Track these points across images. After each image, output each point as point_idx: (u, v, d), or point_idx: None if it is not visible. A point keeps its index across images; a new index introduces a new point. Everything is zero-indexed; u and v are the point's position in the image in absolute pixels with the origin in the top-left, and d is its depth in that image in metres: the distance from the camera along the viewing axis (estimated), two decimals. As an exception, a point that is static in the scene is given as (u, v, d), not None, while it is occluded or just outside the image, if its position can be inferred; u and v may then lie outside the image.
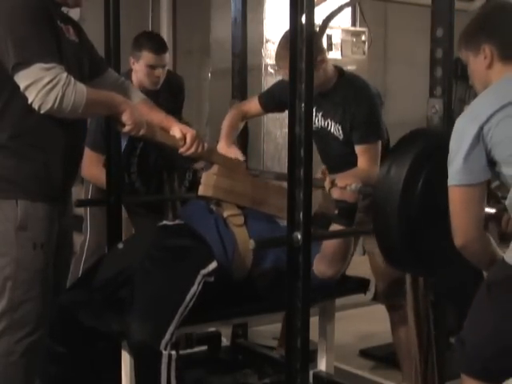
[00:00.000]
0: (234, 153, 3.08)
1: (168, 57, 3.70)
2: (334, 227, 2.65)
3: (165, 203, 3.69)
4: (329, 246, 2.66)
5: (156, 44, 3.66)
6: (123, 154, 3.24)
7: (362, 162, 2.98)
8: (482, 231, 2.11)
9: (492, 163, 2.05)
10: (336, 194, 2.61)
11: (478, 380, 2.08)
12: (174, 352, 2.34)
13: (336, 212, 2.63)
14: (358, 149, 3.00)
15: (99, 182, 3.31)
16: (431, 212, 2.27)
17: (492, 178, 2.12)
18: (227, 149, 3.14)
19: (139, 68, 3.63)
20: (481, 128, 2.02)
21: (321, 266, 2.66)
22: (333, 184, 2.61)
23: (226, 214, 2.76)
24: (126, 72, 3.71)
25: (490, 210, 2.24)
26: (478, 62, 2.19)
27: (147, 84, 3.64)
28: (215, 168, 2.81)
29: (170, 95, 3.82)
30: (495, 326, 2.05)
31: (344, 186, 2.58)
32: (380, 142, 3.01)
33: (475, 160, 2.03)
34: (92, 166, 3.45)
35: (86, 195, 3.82)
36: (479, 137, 2.02)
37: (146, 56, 3.61)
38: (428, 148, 2.34)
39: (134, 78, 3.66)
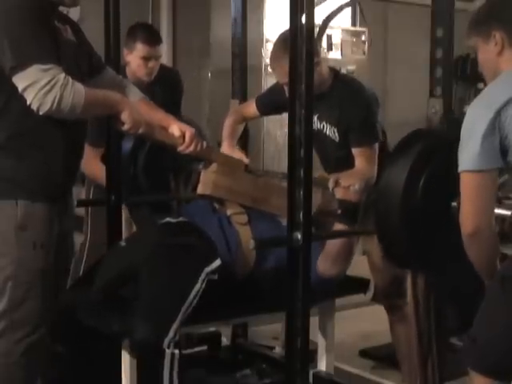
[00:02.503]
0: (237, 154, 3.10)
1: (162, 48, 3.70)
2: (337, 227, 2.66)
3: (169, 203, 3.70)
4: (333, 245, 2.67)
5: (150, 35, 3.67)
6: (132, 148, 3.24)
7: (359, 163, 2.98)
8: (493, 220, 2.08)
9: (504, 151, 2.03)
10: (340, 193, 2.62)
11: (489, 377, 2.05)
12: (176, 351, 2.34)
13: (339, 212, 2.64)
14: (355, 151, 3.00)
15: (98, 178, 3.31)
16: (433, 211, 2.26)
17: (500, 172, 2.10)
18: (230, 151, 3.15)
19: (133, 59, 3.64)
20: (498, 113, 2.00)
21: (325, 265, 2.66)
22: (336, 183, 2.62)
23: (229, 212, 2.76)
24: (120, 67, 3.72)
25: (506, 212, 2.21)
26: (488, 49, 2.18)
27: (141, 75, 3.64)
28: (214, 166, 2.80)
29: (165, 90, 3.82)
30: (510, 321, 2.02)
31: (348, 185, 2.59)
32: (377, 144, 3.01)
33: (490, 146, 2.01)
34: (92, 163, 3.43)
35: (87, 195, 3.81)
36: (495, 122, 2.00)
37: (140, 47, 3.62)
38: (429, 147, 2.34)
39: (128, 69, 3.67)
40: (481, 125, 2.01)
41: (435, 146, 2.33)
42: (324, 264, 2.66)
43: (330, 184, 2.64)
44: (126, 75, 3.65)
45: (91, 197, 3.75)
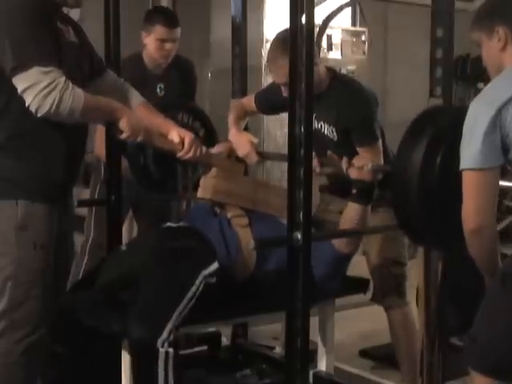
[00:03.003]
0: (246, 137, 3.13)
1: (179, 32, 3.72)
2: (352, 206, 2.69)
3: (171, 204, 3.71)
4: (346, 225, 2.71)
5: (168, 18, 3.70)
6: None
7: (366, 156, 2.98)
8: (494, 219, 2.08)
9: (505, 150, 2.03)
10: (354, 174, 2.66)
11: (490, 377, 2.04)
12: (171, 349, 2.34)
13: (354, 191, 2.68)
14: (359, 150, 2.99)
15: None
16: (449, 188, 2.26)
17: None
18: (239, 134, 3.17)
19: (150, 41, 3.67)
20: (499, 111, 2.00)
21: (340, 244, 2.71)
22: (350, 164, 2.65)
23: (230, 215, 2.77)
24: (137, 53, 3.73)
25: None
26: (491, 44, 2.18)
27: (158, 57, 3.67)
28: (214, 171, 2.81)
29: (181, 77, 3.84)
30: (511, 320, 2.01)
31: (361, 165, 2.62)
32: (380, 141, 3.01)
33: (491, 144, 2.01)
34: (103, 142, 3.41)
35: (92, 194, 3.80)
36: (496, 120, 2.00)
37: (158, 30, 3.65)
38: (446, 123, 2.35)
39: (146, 53, 3.70)
40: (482, 122, 2.01)
41: (451, 122, 2.33)
42: (338, 242, 2.70)
43: (344, 164, 2.67)
44: (143, 59, 3.68)
45: (97, 196, 3.75)
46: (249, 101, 3.39)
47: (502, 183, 2.30)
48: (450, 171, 2.23)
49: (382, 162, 2.94)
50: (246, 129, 3.54)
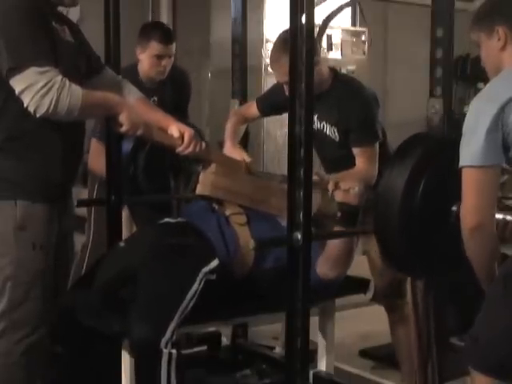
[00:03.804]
0: (240, 154, 3.10)
1: (174, 47, 3.71)
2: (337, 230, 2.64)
3: (169, 204, 3.70)
4: (332, 248, 2.66)
5: (163, 34, 3.69)
6: (132, 148, 3.24)
7: (360, 162, 2.98)
8: (494, 216, 2.07)
9: (506, 148, 2.02)
10: (339, 196, 2.59)
11: (491, 377, 2.03)
12: (174, 350, 2.34)
13: (339, 214, 2.62)
14: (355, 151, 3.00)
15: (104, 174, 3.30)
16: (432, 215, 2.25)
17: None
18: (233, 150, 3.16)
19: (145, 58, 3.67)
20: (502, 109, 1.99)
21: (324, 268, 2.65)
22: (336, 186, 2.61)
23: (228, 213, 2.76)
24: (132, 65, 3.73)
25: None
26: (490, 44, 2.17)
27: (153, 74, 3.68)
28: (213, 167, 2.80)
29: (175, 90, 3.84)
30: None
31: (347, 188, 2.57)
32: (377, 144, 3.01)
33: (493, 142, 2.00)
34: (100, 158, 3.43)
35: (90, 195, 3.80)
36: (498, 118, 1.99)
37: (153, 46, 3.64)
38: (429, 152, 2.32)
39: (140, 68, 3.69)
40: (484, 120, 2.00)
41: (435, 150, 2.32)
42: (323, 267, 2.65)
43: (330, 187, 2.61)
44: (138, 73, 3.68)
45: (95, 196, 3.75)
46: (248, 107, 3.39)
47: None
48: (433, 198, 2.22)
49: (375, 170, 2.91)
50: (245, 130, 3.54)
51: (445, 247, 2.21)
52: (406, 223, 2.23)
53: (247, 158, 3.04)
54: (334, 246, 2.65)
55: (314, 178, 2.54)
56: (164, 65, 3.67)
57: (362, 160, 2.97)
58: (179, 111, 3.81)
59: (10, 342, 2.37)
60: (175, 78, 3.84)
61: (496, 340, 2.03)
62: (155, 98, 3.71)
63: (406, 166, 2.25)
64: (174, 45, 3.70)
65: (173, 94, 3.81)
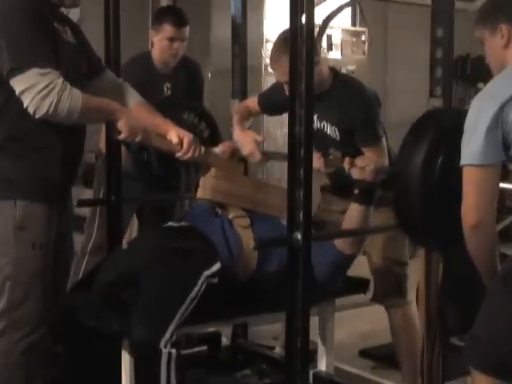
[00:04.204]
0: (251, 135, 3.14)
1: (187, 31, 3.72)
2: (354, 206, 2.70)
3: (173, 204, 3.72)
4: (349, 224, 2.72)
5: (176, 17, 3.71)
6: None
7: (370, 155, 2.98)
8: (494, 216, 2.07)
9: (506, 146, 2.03)
10: (356, 173, 2.66)
11: (493, 376, 2.03)
12: (173, 350, 2.34)
13: (356, 191, 2.68)
14: (363, 149, 2.99)
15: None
16: (450, 190, 2.26)
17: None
18: (243, 133, 3.18)
19: (159, 40, 3.69)
20: (501, 107, 2.00)
21: (343, 243, 2.72)
22: (352, 164, 2.65)
23: (231, 216, 2.77)
24: (146, 52, 3.74)
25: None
26: (494, 42, 2.18)
27: (166, 57, 3.70)
28: (213, 171, 2.81)
29: (188, 77, 3.85)
30: None
31: (363, 165, 2.62)
32: (384, 140, 3.01)
33: (493, 140, 2.00)
34: None
35: (96, 194, 3.79)
36: (499, 117, 2.00)
37: (166, 29, 3.66)
38: (447, 125, 2.36)
39: (154, 52, 3.73)
40: (485, 118, 2.00)
41: (453, 125, 2.33)
42: (342, 242, 2.71)
43: (346, 164, 2.67)
44: (151, 59, 3.68)
45: (101, 196, 3.75)
46: (253, 102, 3.40)
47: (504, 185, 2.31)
48: (450, 172, 2.24)
49: (386, 161, 2.94)
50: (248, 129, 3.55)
51: (460, 221, 2.20)
52: (424, 197, 2.30)
53: (259, 138, 3.11)
54: (350, 222, 2.71)
55: (330, 157, 2.72)
56: (176, 48, 3.68)
57: (372, 154, 2.97)
58: (194, 98, 3.83)
59: (10, 342, 2.37)
60: (188, 67, 3.87)
61: (497, 339, 2.03)
62: (168, 85, 3.74)
63: (423, 141, 2.32)
64: (187, 28, 3.72)
65: (186, 81, 3.83)
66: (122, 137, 2.48)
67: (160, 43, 3.69)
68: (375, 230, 2.99)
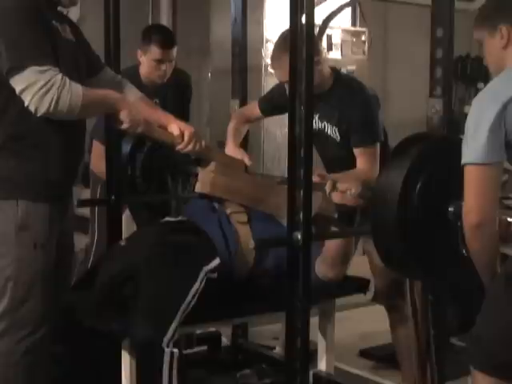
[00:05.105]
0: (241, 156, 3.10)
1: (175, 51, 3.71)
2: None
3: (168, 205, 3.69)
4: (330, 248, 2.66)
5: (164, 39, 3.68)
6: (130, 149, 3.24)
7: (360, 163, 2.98)
8: (495, 215, 2.06)
9: (508, 146, 2.02)
10: (337, 198, 2.58)
11: (494, 377, 2.03)
12: (176, 350, 2.34)
13: (336, 216, 2.62)
14: (356, 151, 3.00)
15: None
16: (430, 216, 2.24)
17: None
18: (234, 151, 3.16)
19: (146, 61, 3.67)
20: (504, 107, 1.99)
21: (322, 269, 2.67)
22: (334, 188, 2.61)
23: (229, 211, 2.76)
24: (134, 66, 3.73)
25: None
26: (493, 42, 2.18)
27: (154, 77, 3.68)
28: (213, 165, 2.80)
29: (176, 92, 3.84)
30: None
31: (345, 190, 2.56)
32: (378, 144, 3.01)
33: (496, 139, 2.00)
34: (102, 159, 3.42)
35: (93, 195, 3.80)
36: (501, 116, 2.00)
37: (154, 50, 3.64)
38: (427, 151, 2.32)
39: (141, 70, 3.70)
40: (488, 117, 2.00)
41: (431, 150, 2.31)
42: (322, 267, 2.67)
43: (327, 188, 2.60)
44: (139, 74, 3.68)
45: (98, 197, 3.74)
46: (250, 108, 3.39)
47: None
48: (430, 198, 2.21)
49: (376, 170, 2.89)
50: (247, 134, 3.53)
51: (442, 248, 2.20)
52: (403, 224, 2.21)
53: (248, 162, 3.03)
54: (331, 246, 2.66)
55: (315, 179, 2.53)
56: (164, 69, 3.66)
57: (363, 160, 2.97)
58: (181, 113, 3.81)
59: (12, 342, 2.37)
60: (177, 81, 3.85)
61: (497, 339, 2.03)
62: (157, 100, 3.71)
63: (402, 167, 2.24)
64: (175, 49, 3.70)
65: (174, 96, 3.81)
66: (123, 127, 2.48)
67: (148, 63, 3.66)
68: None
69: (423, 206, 2.22)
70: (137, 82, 3.66)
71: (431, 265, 2.34)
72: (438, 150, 2.27)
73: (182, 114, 3.82)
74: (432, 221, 2.23)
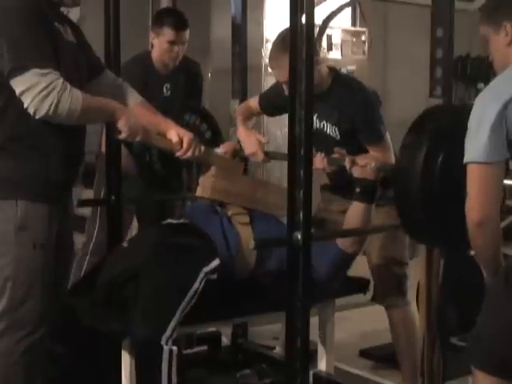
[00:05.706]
0: (255, 135, 3.17)
1: (188, 34, 3.71)
2: (355, 205, 2.71)
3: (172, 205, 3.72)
4: (350, 225, 2.73)
5: (177, 21, 3.69)
6: None
7: (373, 153, 2.98)
8: (498, 212, 2.07)
9: (510, 144, 2.03)
10: (357, 172, 2.68)
11: (494, 376, 2.03)
12: (175, 348, 2.35)
13: (357, 190, 2.70)
14: (369, 149, 2.99)
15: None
16: (451, 185, 2.28)
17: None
18: (247, 132, 3.20)
19: (159, 43, 3.67)
20: (506, 105, 2.00)
21: (344, 243, 2.73)
22: (353, 163, 2.68)
23: (230, 213, 2.77)
24: (146, 51, 3.73)
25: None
26: (498, 39, 2.18)
27: (166, 59, 3.68)
28: (213, 170, 2.82)
29: (187, 78, 3.84)
30: None
31: (364, 164, 2.65)
32: (387, 134, 3.01)
33: (497, 138, 2.01)
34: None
35: (96, 195, 3.79)
36: (502, 114, 2.00)
37: (167, 32, 3.64)
38: (447, 123, 2.37)
39: (153, 53, 3.71)
40: (489, 116, 2.01)
41: (451, 122, 2.36)
42: (344, 241, 2.72)
43: (347, 164, 2.69)
44: (151, 59, 3.68)
45: (102, 197, 3.74)
46: (255, 102, 3.40)
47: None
48: (451, 169, 2.25)
49: (392, 157, 2.94)
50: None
51: (461, 218, 2.20)
52: (425, 195, 2.31)
53: (263, 140, 3.13)
54: (353, 220, 2.73)
55: (335, 155, 2.75)
56: (177, 51, 3.67)
57: (377, 150, 2.97)
58: (193, 99, 3.83)
59: (11, 342, 2.37)
60: (188, 67, 3.85)
61: (498, 338, 2.03)
62: (168, 85, 3.73)
63: (423, 140, 2.32)
64: (187, 31, 3.70)
65: (186, 81, 3.82)
66: (122, 136, 2.48)
67: (160, 46, 3.67)
68: (376, 229, 2.99)
69: (444, 175, 2.31)
70: (149, 67, 3.69)
71: (450, 234, 2.39)
72: (458, 120, 2.27)
73: (194, 99, 3.84)
74: (453, 190, 2.26)
